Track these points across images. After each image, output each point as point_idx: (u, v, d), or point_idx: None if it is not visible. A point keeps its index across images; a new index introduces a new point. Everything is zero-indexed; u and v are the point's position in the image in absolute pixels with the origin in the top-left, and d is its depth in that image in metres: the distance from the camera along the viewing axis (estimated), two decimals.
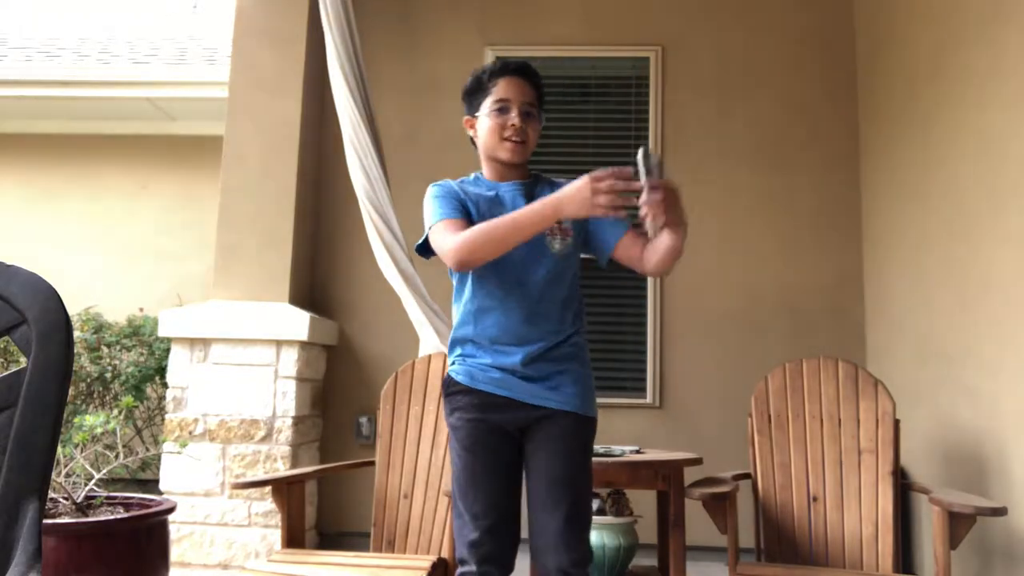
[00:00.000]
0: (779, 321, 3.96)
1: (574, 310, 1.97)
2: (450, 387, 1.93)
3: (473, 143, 2.00)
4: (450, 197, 1.90)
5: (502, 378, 1.88)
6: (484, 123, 1.91)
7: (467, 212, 1.88)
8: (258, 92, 3.90)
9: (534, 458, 1.87)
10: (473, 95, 1.95)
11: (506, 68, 1.92)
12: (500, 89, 1.89)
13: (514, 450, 1.90)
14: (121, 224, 5.40)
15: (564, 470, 1.84)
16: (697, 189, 4.11)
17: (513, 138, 1.88)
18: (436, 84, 4.25)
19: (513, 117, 1.87)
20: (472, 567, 1.82)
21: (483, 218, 1.84)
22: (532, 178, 1.98)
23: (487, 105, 1.90)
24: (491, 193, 1.93)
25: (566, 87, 4.30)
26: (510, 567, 1.86)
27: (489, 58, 4.24)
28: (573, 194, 1.74)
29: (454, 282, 1.99)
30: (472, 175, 2.01)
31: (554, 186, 1.93)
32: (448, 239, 1.80)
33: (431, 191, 1.94)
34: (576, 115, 4.26)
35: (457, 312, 1.96)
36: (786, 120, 4.12)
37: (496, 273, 1.87)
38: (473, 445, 1.87)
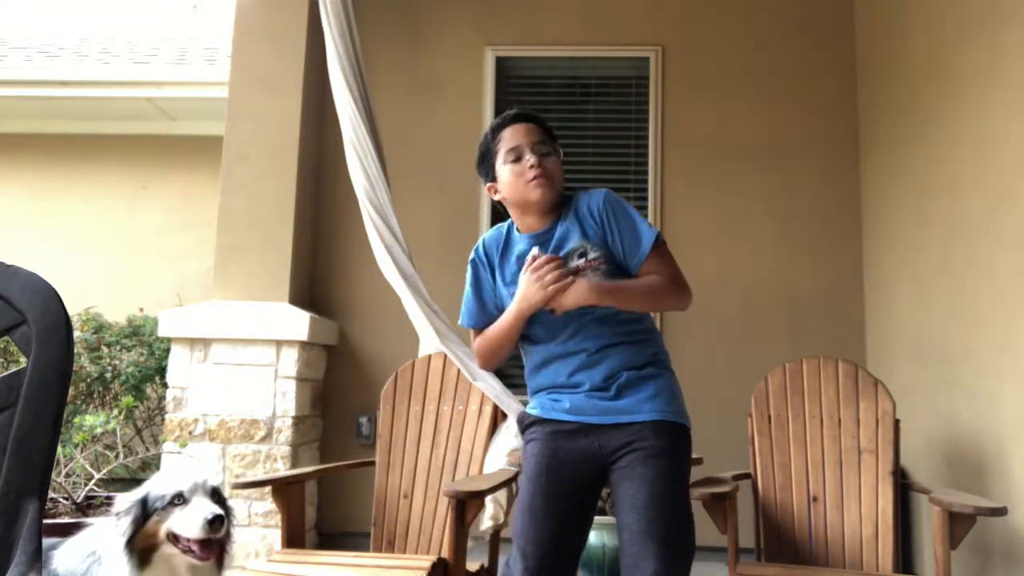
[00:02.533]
0: (779, 321, 3.96)
1: (645, 325, 1.92)
2: (524, 420, 1.90)
3: (502, 207, 1.99)
4: (471, 291, 1.99)
5: (571, 404, 1.81)
6: (504, 177, 1.89)
7: (484, 298, 1.97)
8: (258, 92, 3.90)
9: (620, 487, 1.74)
10: (485, 160, 1.95)
11: (505, 120, 1.93)
12: (507, 140, 1.89)
13: (585, 485, 1.79)
14: (121, 224, 5.40)
15: (660, 487, 1.70)
16: (697, 189, 4.11)
17: (538, 177, 1.85)
18: (436, 84, 4.25)
19: (529, 158, 1.85)
20: None
21: (509, 284, 1.90)
22: (561, 210, 1.92)
23: (500, 159, 1.89)
24: (516, 255, 1.92)
25: (566, 87, 4.31)
26: None
27: (489, 58, 4.24)
28: (526, 292, 1.78)
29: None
30: (507, 223, 2.01)
31: (579, 207, 1.90)
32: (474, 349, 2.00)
33: (467, 273, 2.01)
34: (576, 115, 4.26)
35: (526, 364, 1.98)
36: (786, 120, 4.12)
37: (547, 330, 1.87)
38: (536, 476, 1.79)
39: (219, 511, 1.84)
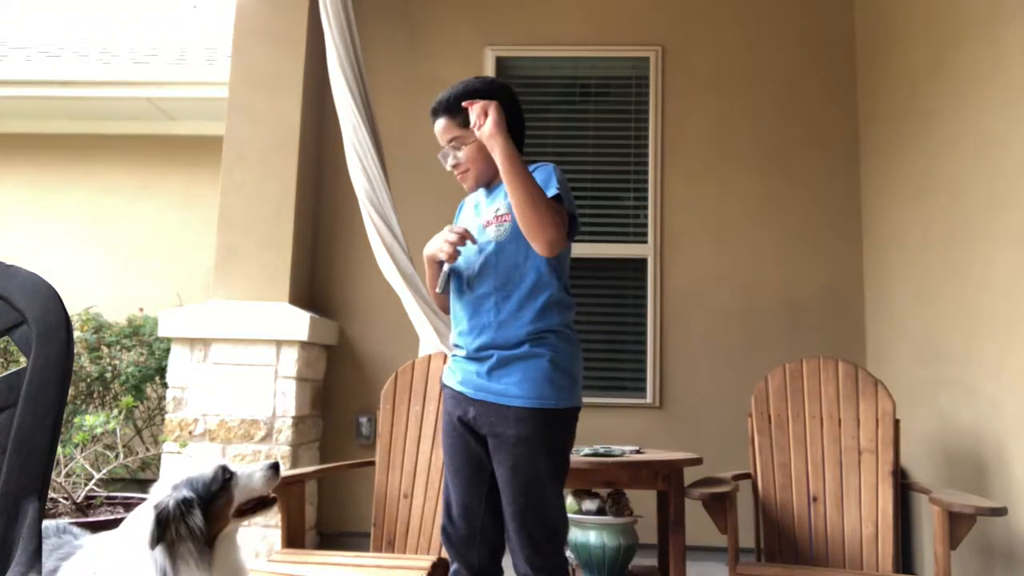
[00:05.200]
0: (779, 321, 3.96)
1: (542, 301, 1.88)
2: (442, 386, 2.05)
3: None
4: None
5: (462, 376, 1.93)
6: None
7: None
8: (258, 92, 3.90)
9: (494, 461, 1.86)
10: None
11: (430, 116, 2.02)
12: (437, 136, 2.01)
13: (478, 446, 1.90)
14: (121, 224, 5.40)
15: (518, 475, 1.81)
16: (697, 189, 4.11)
17: (458, 174, 2.01)
18: (436, 84, 4.20)
19: (448, 159, 1.99)
20: (452, 564, 1.92)
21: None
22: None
23: None
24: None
25: (566, 87, 4.30)
26: (478, 566, 1.90)
27: (489, 58, 4.24)
28: (434, 238, 1.94)
29: None
30: None
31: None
32: None
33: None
34: (576, 115, 4.26)
35: None
36: (786, 120, 4.12)
37: (456, 269, 1.97)
38: (444, 441, 1.97)
39: (271, 460, 1.88)
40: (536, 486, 1.82)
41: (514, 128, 1.93)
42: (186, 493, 1.72)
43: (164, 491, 1.74)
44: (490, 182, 1.99)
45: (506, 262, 1.88)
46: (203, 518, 1.71)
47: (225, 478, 1.79)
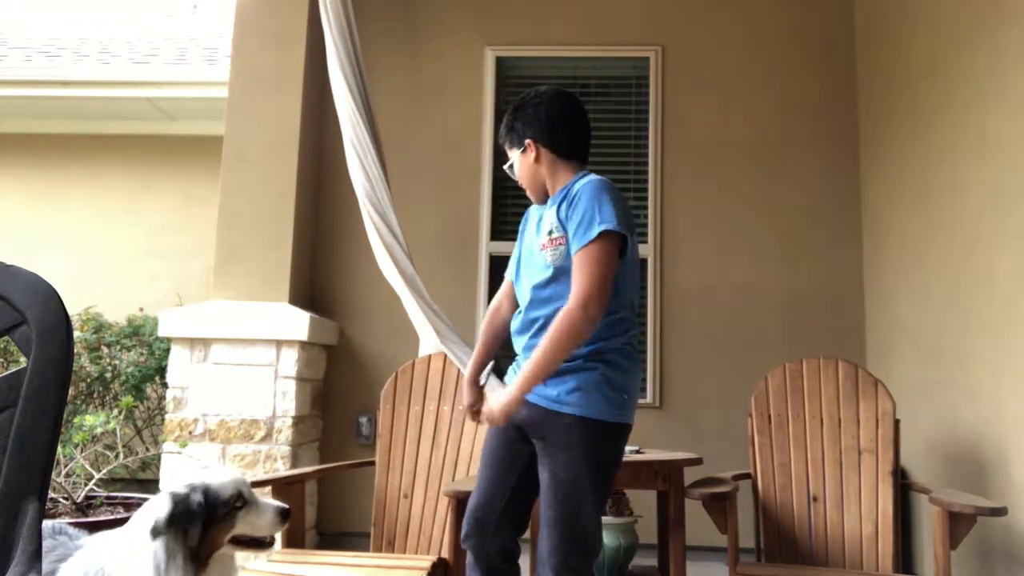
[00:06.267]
0: (779, 321, 3.96)
1: (601, 322, 1.94)
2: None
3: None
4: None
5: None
6: None
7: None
8: (258, 92, 3.90)
9: (539, 465, 1.90)
10: None
11: None
12: None
13: (521, 450, 1.95)
14: (121, 224, 5.40)
15: (558, 481, 1.83)
16: (697, 189, 4.11)
17: (523, 188, 2.12)
18: (436, 84, 4.25)
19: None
20: (468, 556, 1.99)
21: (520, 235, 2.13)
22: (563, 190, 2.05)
23: None
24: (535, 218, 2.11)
25: (566, 87, 4.29)
26: (489, 559, 1.94)
27: (489, 58, 4.24)
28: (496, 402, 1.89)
29: None
30: None
31: (569, 189, 1.98)
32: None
33: None
34: None
35: None
36: (786, 120, 4.12)
37: (517, 284, 2.08)
38: (486, 439, 2.04)
39: (284, 505, 1.80)
40: (574, 494, 1.83)
41: (560, 129, 2.06)
42: (200, 499, 1.66)
43: (182, 488, 1.68)
44: (545, 196, 2.06)
45: (563, 285, 1.89)
46: (200, 535, 1.64)
47: (236, 505, 1.71)
